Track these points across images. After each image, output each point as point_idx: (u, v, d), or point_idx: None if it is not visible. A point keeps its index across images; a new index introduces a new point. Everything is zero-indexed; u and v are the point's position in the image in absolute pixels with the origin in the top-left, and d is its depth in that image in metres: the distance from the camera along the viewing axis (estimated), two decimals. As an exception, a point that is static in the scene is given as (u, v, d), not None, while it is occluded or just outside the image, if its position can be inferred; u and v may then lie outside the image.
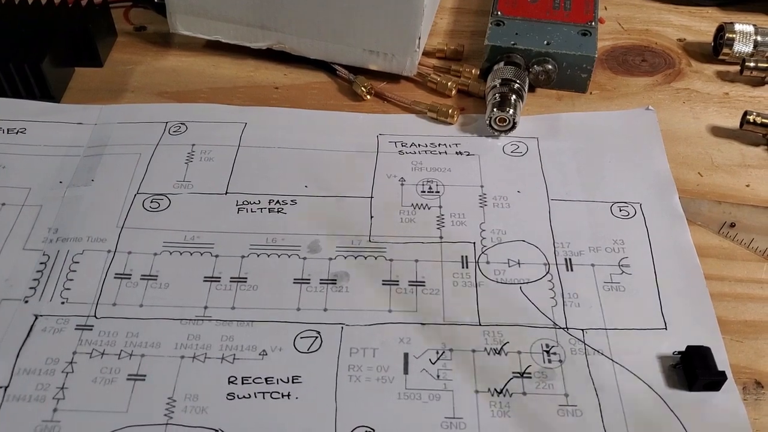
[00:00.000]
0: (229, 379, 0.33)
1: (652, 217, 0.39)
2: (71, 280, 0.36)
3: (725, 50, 0.48)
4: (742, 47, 0.48)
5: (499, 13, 0.48)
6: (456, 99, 0.47)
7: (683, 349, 0.33)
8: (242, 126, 0.44)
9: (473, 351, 0.34)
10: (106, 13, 0.50)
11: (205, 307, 0.35)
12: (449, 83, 0.46)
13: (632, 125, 0.44)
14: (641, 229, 0.39)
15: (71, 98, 0.46)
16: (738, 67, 0.47)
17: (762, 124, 0.43)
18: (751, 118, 0.43)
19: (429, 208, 0.40)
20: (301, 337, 0.34)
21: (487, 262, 0.37)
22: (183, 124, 0.44)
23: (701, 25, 0.53)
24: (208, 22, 0.47)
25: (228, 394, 0.32)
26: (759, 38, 0.48)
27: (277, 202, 0.40)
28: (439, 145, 0.43)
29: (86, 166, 0.41)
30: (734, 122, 0.44)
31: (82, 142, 0.43)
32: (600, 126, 0.44)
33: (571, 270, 0.37)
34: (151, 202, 0.40)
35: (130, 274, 0.36)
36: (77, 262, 0.37)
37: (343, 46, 0.46)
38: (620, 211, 0.39)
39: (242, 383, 0.32)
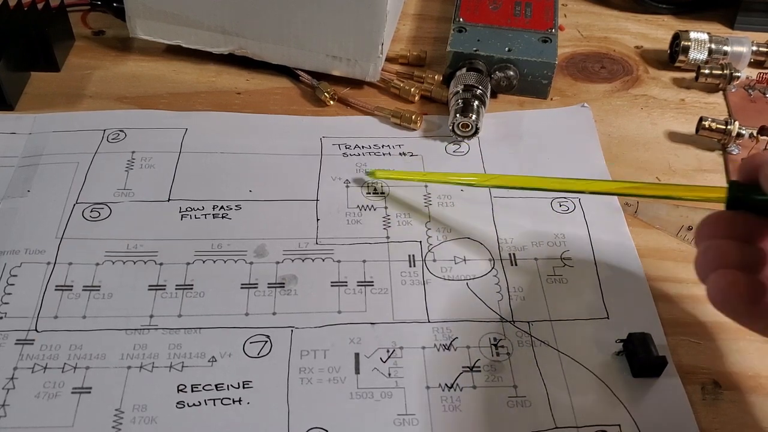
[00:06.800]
0: (178, 387, 0.32)
1: (591, 210, 0.40)
2: (9, 294, 0.35)
3: (681, 57, 0.50)
4: (697, 55, 0.49)
5: (461, 19, 0.48)
6: (419, 104, 0.47)
7: (625, 337, 0.34)
8: (183, 132, 0.43)
9: (423, 348, 0.34)
10: (63, 17, 0.49)
11: (151, 316, 0.35)
12: (412, 89, 0.46)
13: (569, 122, 0.46)
14: (581, 222, 0.40)
15: (27, 104, 0.45)
16: (693, 74, 0.49)
17: (717, 130, 0.44)
18: (706, 123, 0.44)
19: (375, 209, 0.40)
20: (251, 342, 0.34)
21: (434, 260, 0.38)
22: (122, 131, 0.43)
23: (658, 32, 0.54)
24: (168, 26, 0.47)
25: (178, 403, 0.32)
26: (713, 46, 0.49)
27: (222, 207, 0.40)
28: (383, 146, 0.44)
29: (21, 177, 0.40)
30: (690, 128, 0.45)
31: (16, 152, 0.42)
32: (538, 123, 0.45)
33: (516, 265, 0.38)
34: (91, 211, 0.39)
35: (72, 286, 0.35)
36: (15, 275, 0.36)
37: (306, 51, 0.46)
38: (560, 206, 0.40)
39: (192, 391, 0.32)
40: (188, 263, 0.37)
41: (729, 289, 0.27)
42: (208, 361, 0.33)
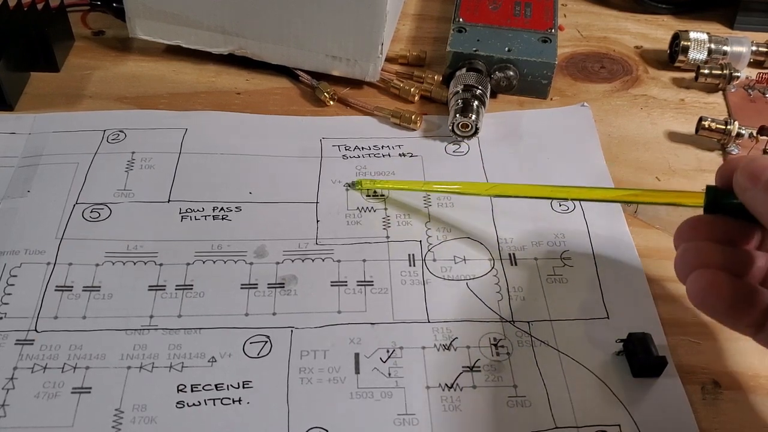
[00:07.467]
0: (178, 387, 0.32)
1: (591, 210, 0.40)
2: (9, 294, 0.35)
3: (680, 57, 0.50)
4: (697, 55, 0.49)
5: (460, 19, 0.48)
6: (419, 105, 0.47)
7: (625, 337, 0.34)
8: (183, 132, 0.43)
9: (423, 348, 0.34)
10: (63, 18, 0.49)
11: (151, 317, 0.35)
12: (412, 89, 0.46)
13: (569, 122, 0.46)
14: (581, 222, 0.40)
15: (26, 104, 0.45)
16: (693, 74, 0.49)
17: (716, 130, 0.44)
18: (706, 123, 0.44)
19: (375, 211, 0.40)
20: (251, 343, 0.34)
21: (434, 260, 0.38)
22: (122, 131, 0.43)
23: (657, 32, 0.54)
24: (168, 26, 0.47)
25: (177, 403, 0.31)
26: (712, 46, 0.49)
27: (222, 209, 0.40)
28: (383, 147, 0.44)
29: (21, 177, 0.40)
30: (690, 128, 0.45)
31: (15, 152, 0.42)
32: (538, 123, 0.45)
33: (515, 264, 0.38)
34: (91, 212, 0.39)
35: (72, 286, 0.35)
36: (15, 276, 0.36)
37: (306, 51, 0.46)
38: (560, 206, 0.40)
39: (192, 391, 0.32)
40: (188, 264, 0.37)
41: (708, 288, 0.27)
42: (208, 361, 0.33)
